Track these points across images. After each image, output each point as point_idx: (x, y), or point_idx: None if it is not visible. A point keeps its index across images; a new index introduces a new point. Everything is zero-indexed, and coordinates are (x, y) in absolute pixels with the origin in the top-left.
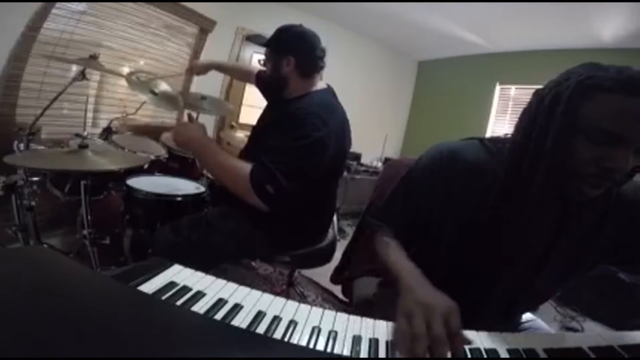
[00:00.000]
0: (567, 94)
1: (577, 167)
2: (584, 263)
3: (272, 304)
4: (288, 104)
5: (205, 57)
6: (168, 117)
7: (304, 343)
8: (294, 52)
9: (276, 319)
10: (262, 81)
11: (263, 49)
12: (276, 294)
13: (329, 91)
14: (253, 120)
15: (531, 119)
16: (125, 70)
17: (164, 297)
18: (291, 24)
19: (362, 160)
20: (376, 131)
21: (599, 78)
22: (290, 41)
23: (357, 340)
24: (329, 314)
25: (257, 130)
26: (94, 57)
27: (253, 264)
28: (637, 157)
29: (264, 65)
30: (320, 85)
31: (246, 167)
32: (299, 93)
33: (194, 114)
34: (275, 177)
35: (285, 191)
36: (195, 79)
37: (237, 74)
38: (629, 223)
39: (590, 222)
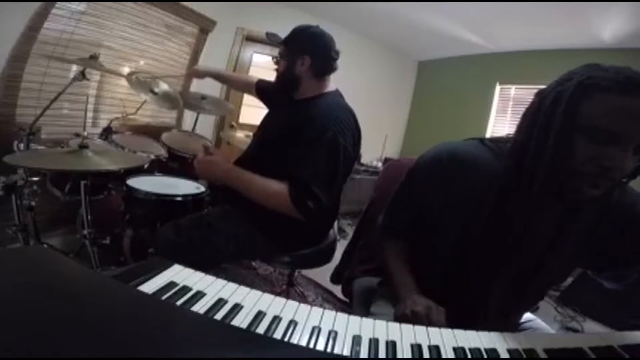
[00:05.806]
0: (568, 94)
1: (576, 166)
2: (577, 264)
3: (272, 304)
4: (300, 105)
5: (205, 57)
6: (168, 117)
7: (304, 343)
8: (310, 51)
9: (276, 319)
10: (275, 81)
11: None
12: (276, 294)
13: (340, 94)
14: (253, 120)
15: (533, 118)
16: (126, 70)
17: (164, 297)
18: (308, 24)
19: (362, 160)
20: (376, 131)
21: (598, 78)
22: (307, 40)
23: (357, 340)
24: (329, 314)
25: (269, 131)
26: (94, 57)
27: (253, 264)
28: (636, 156)
29: (277, 63)
30: (331, 87)
31: (283, 187)
32: (310, 94)
33: (208, 143)
34: (314, 193)
35: (324, 202)
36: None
37: (236, 84)
38: (620, 231)
39: (588, 225)
